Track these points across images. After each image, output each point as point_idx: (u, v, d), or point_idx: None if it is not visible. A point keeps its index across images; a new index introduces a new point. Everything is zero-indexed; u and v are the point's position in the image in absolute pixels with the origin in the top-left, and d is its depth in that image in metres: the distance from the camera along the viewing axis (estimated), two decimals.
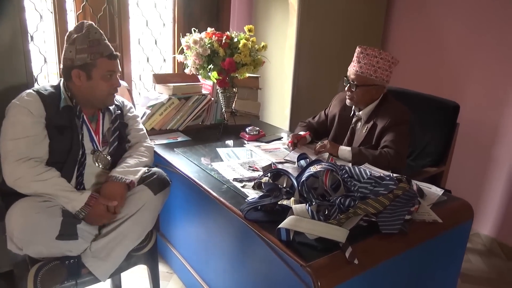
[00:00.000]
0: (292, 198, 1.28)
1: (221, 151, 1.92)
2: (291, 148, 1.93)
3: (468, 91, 2.65)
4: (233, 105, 2.24)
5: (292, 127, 2.72)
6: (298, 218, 1.14)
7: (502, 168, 2.55)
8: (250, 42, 2.00)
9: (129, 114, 1.77)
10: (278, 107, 2.84)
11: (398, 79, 2.87)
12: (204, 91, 2.31)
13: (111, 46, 1.58)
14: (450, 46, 2.72)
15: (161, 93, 2.20)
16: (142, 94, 2.68)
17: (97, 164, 1.59)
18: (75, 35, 1.53)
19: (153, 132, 2.10)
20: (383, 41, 3.08)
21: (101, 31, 1.57)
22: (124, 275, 2.02)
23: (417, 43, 2.91)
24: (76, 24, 1.59)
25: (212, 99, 2.29)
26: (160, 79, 2.24)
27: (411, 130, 1.92)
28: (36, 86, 1.59)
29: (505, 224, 2.57)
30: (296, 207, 1.19)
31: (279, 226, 1.14)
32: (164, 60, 2.78)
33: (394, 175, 1.40)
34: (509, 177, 2.52)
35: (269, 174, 1.47)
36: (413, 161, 2.25)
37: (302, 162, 1.54)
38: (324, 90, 2.77)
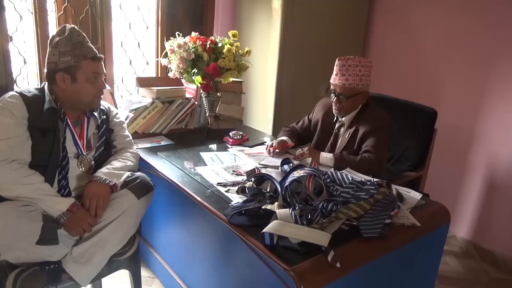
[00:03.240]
0: (276, 203, 1.29)
1: (204, 155, 1.92)
2: (271, 153, 1.94)
3: (445, 97, 2.73)
4: (217, 109, 2.25)
5: (275, 131, 2.74)
6: (282, 222, 1.16)
7: (477, 173, 2.63)
8: (234, 47, 2.01)
9: (115, 120, 1.76)
10: (261, 111, 2.86)
11: (378, 85, 2.93)
12: (187, 95, 2.31)
13: (94, 48, 1.58)
14: (428, 53, 2.81)
15: (145, 97, 2.19)
16: (124, 97, 2.66)
17: (80, 168, 1.57)
18: (58, 38, 1.52)
19: (136, 136, 2.08)
20: (364, 46, 3.14)
21: (84, 34, 1.57)
22: (105, 281, 2.00)
23: (397, 50, 2.99)
24: (58, 27, 1.58)
25: (196, 103, 2.29)
26: (143, 82, 2.23)
27: (391, 135, 1.97)
28: (19, 88, 1.57)
29: (480, 226, 2.66)
30: (280, 212, 1.21)
31: (263, 231, 1.16)
32: (147, 63, 2.76)
33: (375, 180, 1.44)
34: (484, 181, 2.61)
35: (253, 179, 1.48)
36: (393, 165, 2.31)
37: (286, 167, 1.56)
38: (307, 94, 2.80)
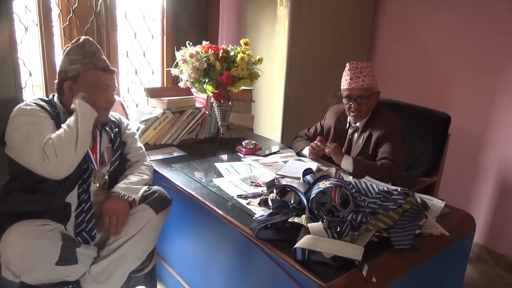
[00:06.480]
0: (303, 216, 1.26)
1: (219, 166, 1.88)
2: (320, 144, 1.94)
3: (455, 102, 2.72)
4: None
5: (283, 138, 2.72)
6: (315, 237, 1.12)
7: (489, 177, 2.62)
8: (246, 56, 1.98)
9: (127, 131, 1.72)
10: (268, 118, 2.84)
11: (387, 90, 2.92)
12: (198, 105, 2.27)
13: (107, 61, 1.55)
14: (435, 58, 2.80)
15: (155, 107, 2.15)
16: (130, 107, 2.62)
17: (95, 184, 1.53)
18: (70, 46, 1.48)
19: (147, 147, 2.03)
20: (369, 52, 3.13)
21: (99, 46, 1.53)
22: None
23: (403, 55, 2.98)
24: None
25: (207, 112, 2.26)
26: (153, 93, 2.19)
27: (405, 139, 1.95)
28: (29, 100, 1.51)
29: (492, 231, 2.64)
30: (312, 225, 1.17)
31: (295, 246, 1.12)
32: (153, 72, 2.73)
33: (400, 188, 1.41)
34: (496, 186, 2.59)
35: (275, 191, 1.45)
36: (406, 171, 2.28)
37: (308, 177, 1.52)
38: (314, 100, 2.79)
